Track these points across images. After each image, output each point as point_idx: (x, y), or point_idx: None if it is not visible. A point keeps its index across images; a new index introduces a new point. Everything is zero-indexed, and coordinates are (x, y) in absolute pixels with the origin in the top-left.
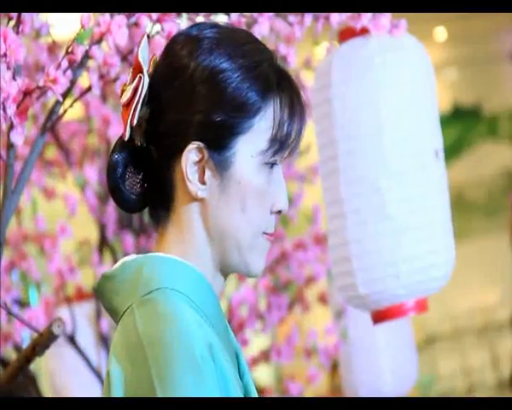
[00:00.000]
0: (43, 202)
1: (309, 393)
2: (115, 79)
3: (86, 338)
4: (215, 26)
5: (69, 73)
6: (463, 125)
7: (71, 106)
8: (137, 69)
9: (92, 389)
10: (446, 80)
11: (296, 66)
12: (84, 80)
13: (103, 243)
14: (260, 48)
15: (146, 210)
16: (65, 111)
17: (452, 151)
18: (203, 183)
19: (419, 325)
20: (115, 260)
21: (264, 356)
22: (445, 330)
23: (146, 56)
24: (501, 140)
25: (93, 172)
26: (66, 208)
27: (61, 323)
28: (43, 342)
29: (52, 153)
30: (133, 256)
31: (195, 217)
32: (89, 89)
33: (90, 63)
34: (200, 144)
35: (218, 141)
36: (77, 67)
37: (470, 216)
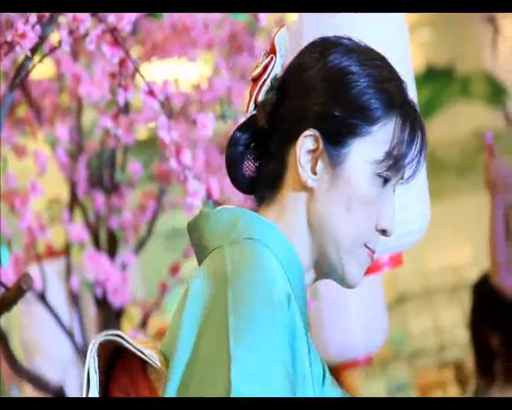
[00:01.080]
0: (13, 159)
1: None
2: (85, 35)
3: (57, 296)
4: (352, 38)
5: (38, 28)
6: (436, 86)
7: (40, 61)
8: (271, 51)
9: (62, 347)
10: (420, 40)
11: (268, 24)
12: (55, 38)
13: (74, 201)
14: (392, 69)
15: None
16: (34, 66)
17: (425, 111)
18: (314, 173)
19: (390, 283)
20: (86, 219)
21: None
22: (417, 289)
23: (282, 42)
24: (474, 100)
25: (64, 131)
26: (36, 166)
27: (29, 278)
28: (11, 297)
29: (23, 111)
30: (234, 206)
31: (300, 205)
32: (58, 44)
33: (60, 19)
34: (317, 133)
35: (335, 135)
36: (46, 22)
37: (443, 175)
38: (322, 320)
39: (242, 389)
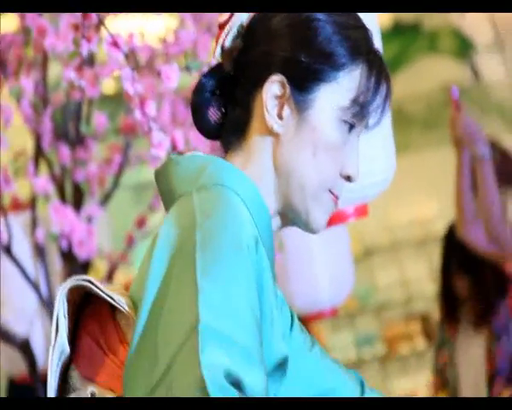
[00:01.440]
0: None
1: None
2: None
3: (22, 248)
4: None
5: None
6: (404, 41)
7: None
8: None
9: (28, 299)
10: None
11: None
12: None
13: (39, 153)
14: (358, 17)
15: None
16: None
17: (392, 66)
18: (281, 118)
19: (357, 237)
20: (51, 171)
21: None
22: (384, 243)
23: None
24: (441, 55)
25: (29, 83)
26: (1, 119)
27: None
28: None
29: None
30: (202, 154)
31: (266, 150)
32: None
33: None
34: (284, 79)
35: (301, 80)
36: None
37: (410, 130)
38: (287, 272)
39: (210, 322)
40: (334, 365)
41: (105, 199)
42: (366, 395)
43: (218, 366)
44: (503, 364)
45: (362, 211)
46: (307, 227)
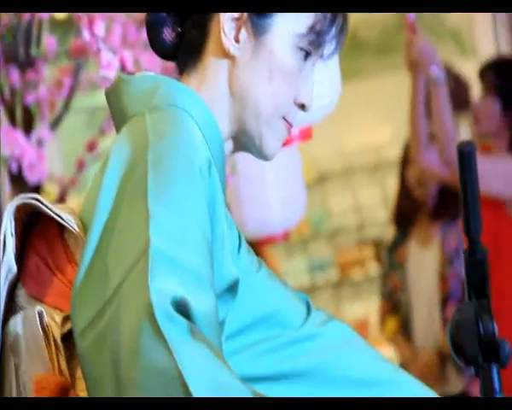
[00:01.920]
0: None
1: None
2: None
3: None
4: None
5: None
6: None
7: None
8: None
9: None
10: None
11: None
12: None
13: None
14: None
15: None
16: None
17: None
18: (237, 41)
19: (311, 163)
20: (1, 94)
21: None
22: (337, 169)
23: None
24: None
25: None
26: None
27: None
28: None
29: None
30: (154, 74)
31: (222, 72)
32: None
33: None
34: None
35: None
36: None
37: (364, 55)
38: (239, 196)
39: (161, 246)
40: (281, 286)
41: (56, 123)
42: (312, 317)
43: (166, 293)
44: (455, 287)
45: (307, 134)
46: (260, 153)
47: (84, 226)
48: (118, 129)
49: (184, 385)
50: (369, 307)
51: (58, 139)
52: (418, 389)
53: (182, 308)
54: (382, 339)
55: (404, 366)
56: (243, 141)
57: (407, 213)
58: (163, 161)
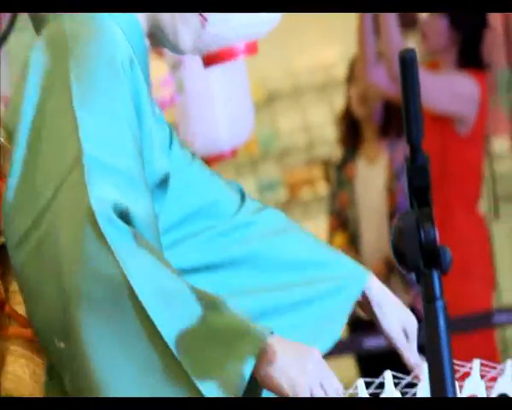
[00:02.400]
0: None
1: None
2: None
3: None
4: None
5: None
6: None
7: None
8: None
9: None
10: None
11: None
12: None
13: None
14: None
15: None
16: None
17: None
18: None
19: (259, 82)
20: None
21: None
22: (286, 88)
23: None
24: None
25: None
26: None
27: None
28: None
29: None
30: None
31: None
32: None
33: None
34: None
35: None
36: None
37: None
38: (187, 114)
39: (93, 153)
40: (214, 176)
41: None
42: (246, 205)
43: (106, 200)
44: (402, 202)
45: (252, 48)
46: (175, 48)
47: (9, 136)
48: (37, 31)
49: (131, 292)
50: (318, 226)
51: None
52: (352, 269)
53: (122, 214)
54: None
55: None
56: (159, 36)
57: (354, 132)
58: (85, 65)
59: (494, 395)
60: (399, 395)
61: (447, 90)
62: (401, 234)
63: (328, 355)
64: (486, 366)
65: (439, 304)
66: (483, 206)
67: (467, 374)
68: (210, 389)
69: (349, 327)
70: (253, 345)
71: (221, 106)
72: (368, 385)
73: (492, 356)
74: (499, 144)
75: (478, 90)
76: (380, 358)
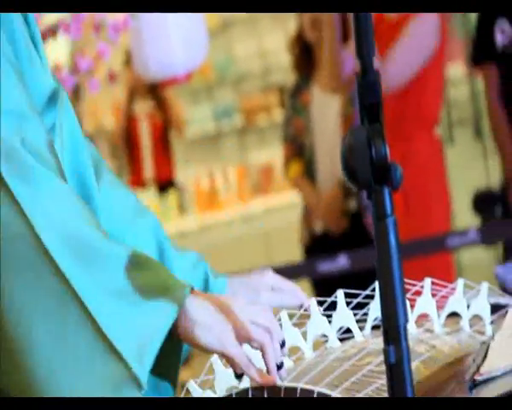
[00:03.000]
0: None
1: (99, 70)
2: None
3: None
4: None
5: None
6: None
7: None
8: None
9: None
10: None
11: None
12: None
13: None
14: None
15: None
16: None
17: None
18: None
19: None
20: None
21: (52, 33)
22: (241, 15)
23: None
24: None
25: None
26: None
27: None
28: None
29: None
30: None
31: None
32: None
33: None
34: None
35: None
36: None
37: None
38: (141, 38)
39: None
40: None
41: None
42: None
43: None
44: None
45: None
46: None
47: None
48: None
49: (36, 238)
50: (273, 153)
51: None
52: None
53: (21, 150)
54: (286, 184)
55: (309, 208)
56: None
57: (307, 57)
58: None
59: (445, 313)
60: (351, 315)
61: (414, 49)
62: (352, 150)
63: (291, 279)
64: (437, 284)
65: (390, 221)
66: (439, 131)
67: (418, 293)
68: (128, 351)
69: (303, 251)
70: (173, 303)
71: (175, 30)
72: (321, 305)
73: (450, 281)
74: (454, 70)
75: (437, 18)
76: (335, 282)
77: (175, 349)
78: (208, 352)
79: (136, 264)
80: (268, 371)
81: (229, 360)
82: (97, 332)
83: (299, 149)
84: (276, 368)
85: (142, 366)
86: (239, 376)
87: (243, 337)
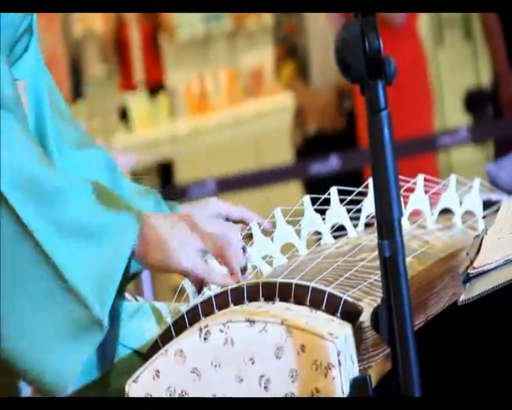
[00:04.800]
0: None
1: None
2: None
3: None
4: None
5: None
6: None
7: None
8: None
9: None
10: None
11: None
12: None
13: None
14: None
15: None
16: None
17: None
18: None
19: None
20: None
21: None
22: None
23: None
24: None
25: None
26: None
27: None
28: None
29: None
30: None
31: None
32: None
33: None
34: None
35: None
36: None
37: None
38: None
39: None
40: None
41: None
42: None
43: None
44: None
45: None
46: None
47: None
48: None
49: None
50: (264, 56)
51: None
52: None
53: None
54: (279, 86)
55: (303, 110)
56: None
57: None
58: None
59: (438, 210)
60: (345, 212)
61: None
62: (345, 44)
63: (275, 183)
64: (430, 181)
65: (384, 114)
66: (427, 32)
67: (410, 190)
68: (89, 292)
69: (295, 154)
70: (127, 235)
71: None
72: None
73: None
74: None
75: None
76: (327, 183)
77: (128, 274)
78: (165, 271)
79: (89, 198)
80: (231, 275)
81: (190, 277)
82: (55, 273)
83: (291, 51)
84: (238, 269)
85: (103, 307)
86: (199, 291)
87: (199, 247)
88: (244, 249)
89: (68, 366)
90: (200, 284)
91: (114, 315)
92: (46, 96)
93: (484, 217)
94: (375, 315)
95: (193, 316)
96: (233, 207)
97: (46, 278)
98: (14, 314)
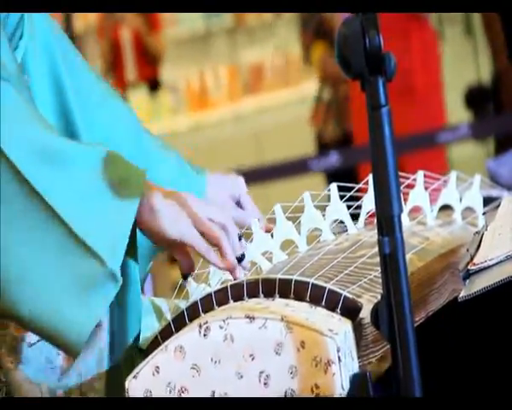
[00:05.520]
0: None
1: None
2: None
3: None
4: None
5: None
6: None
7: None
8: None
9: None
10: None
11: None
12: None
13: None
14: None
15: None
16: None
17: None
18: None
19: None
20: None
21: None
22: None
23: None
24: None
25: None
26: None
27: None
28: None
29: None
30: None
31: None
32: None
33: None
34: None
35: None
36: None
37: None
38: None
39: None
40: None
41: None
42: None
43: None
44: None
45: None
46: None
47: None
48: None
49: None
50: (264, 52)
51: None
52: None
53: None
54: (277, 83)
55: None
56: None
57: None
58: None
59: (438, 206)
60: (345, 208)
61: None
62: (346, 40)
63: (275, 179)
64: (430, 177)
65: (385, 111)
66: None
67: (411, 186)
68: (101, 246)
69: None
70: (133, 197)
71: None
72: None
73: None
74: None
75: None
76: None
77: (135, 240)
78: (168, 242)
79: (102, 162)
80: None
81: (182, 253)
82: (67, 231)
83: (319, 33)
84: (234, 258)
85: (115, 260)
86: (185, 277)
87: (199, 230)
88: (240, 238)
89: (84, 322)
90: (186, 265)
91: (130, 305)
92: (61, 64)
93: (484, 213)
94: (375, 312)
95: (193, 312)
96: (250, 205)
97: (56, 234)
98: (27, 273)
